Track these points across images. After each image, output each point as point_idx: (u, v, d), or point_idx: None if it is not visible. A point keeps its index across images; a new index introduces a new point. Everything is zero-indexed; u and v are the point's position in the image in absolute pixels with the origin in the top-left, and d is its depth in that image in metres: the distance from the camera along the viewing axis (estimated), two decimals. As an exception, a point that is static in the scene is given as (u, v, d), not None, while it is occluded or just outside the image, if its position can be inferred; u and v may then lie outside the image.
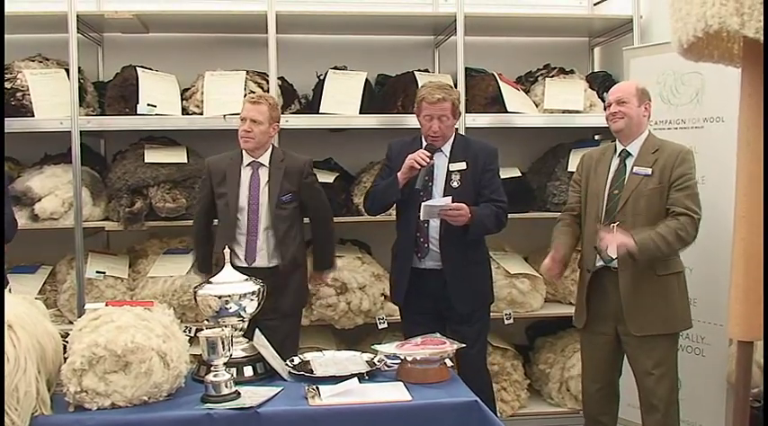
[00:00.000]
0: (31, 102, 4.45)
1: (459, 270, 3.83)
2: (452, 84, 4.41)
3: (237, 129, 3.96)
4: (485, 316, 4.05)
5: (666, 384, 3.60)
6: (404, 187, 3.82)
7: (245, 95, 4.51)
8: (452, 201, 3.69)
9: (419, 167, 3.76)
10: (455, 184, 3.85)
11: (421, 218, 3.76)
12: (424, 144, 3.90)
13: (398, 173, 3.82)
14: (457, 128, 4.03)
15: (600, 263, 3.60)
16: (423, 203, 3.70)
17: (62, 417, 2.67)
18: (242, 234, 3.96)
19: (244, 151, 4.00)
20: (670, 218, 3.49)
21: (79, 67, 4.52)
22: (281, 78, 4.71)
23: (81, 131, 4.45)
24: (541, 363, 5.00)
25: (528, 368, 5.05)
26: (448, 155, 3.90)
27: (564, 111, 4.83)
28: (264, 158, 4.01)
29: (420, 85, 4.62)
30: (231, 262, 3.19)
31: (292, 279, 4.04)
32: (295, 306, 4.12)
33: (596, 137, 5.10)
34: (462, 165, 3.87)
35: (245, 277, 3.16)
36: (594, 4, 5.44)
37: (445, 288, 3.84)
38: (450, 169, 3.87)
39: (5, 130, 3.88)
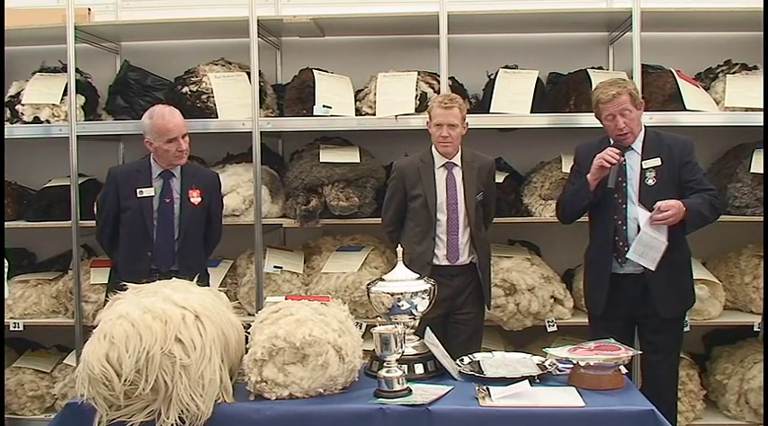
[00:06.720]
0: (214, 104, 4.70)
1: (662, 273, 3.63)
2: (625, 77, 4.21)
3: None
4: (680, 326, 3.89)
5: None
6: (596, 189, 3.69)
7: (417, 97, 4.57)
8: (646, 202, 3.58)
9: (609, 165, 3.62)
10: (650, 182, 3.68)
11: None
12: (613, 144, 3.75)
13: (588, 175, 3.69)
14: (646, 125, 3.85)
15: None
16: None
17: (243, 405, 2.81)
18: (443, 233, 3.96)
19: (435, 152, 4.02)
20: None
21: (259, 71, 4.72)
22: (451, 78, 4.71)
23: (261, 132, 4.64)
24: (719, 373, 4.75)
25: (704, 378, 4.82)
26: (640, 152, 3.73)
27: (746, 109, 4.57)
28: (457, 158, 4.01)
29: (593, 87, 4.52)
30: (429, 262, 3.21)
31: (486, 273, 4.09)
32: (486, 302, 4.15)
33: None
34: (656, 162, 3.69)
35: (417, 275, 3.21)
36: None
37: (647, 294, 3.69)
38: (644, 167, 3.70)
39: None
